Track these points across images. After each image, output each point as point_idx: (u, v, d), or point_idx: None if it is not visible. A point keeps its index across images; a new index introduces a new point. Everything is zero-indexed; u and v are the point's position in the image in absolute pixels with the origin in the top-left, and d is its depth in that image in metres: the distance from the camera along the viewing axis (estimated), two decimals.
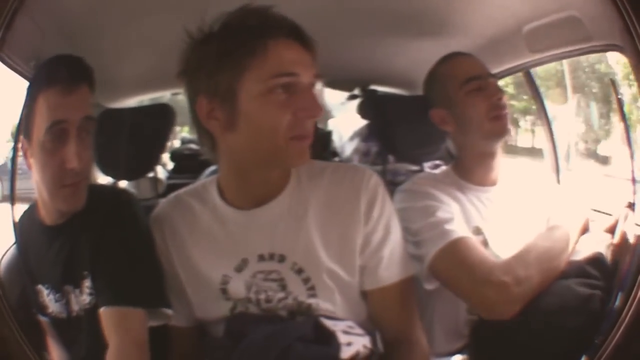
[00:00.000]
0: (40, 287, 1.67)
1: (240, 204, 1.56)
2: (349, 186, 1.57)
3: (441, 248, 1.68)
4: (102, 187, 1.91)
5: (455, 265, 1.67)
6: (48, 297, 1.66)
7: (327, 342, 1.37)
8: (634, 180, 1.81)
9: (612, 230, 1.75)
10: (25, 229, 1.74)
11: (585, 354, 1.43)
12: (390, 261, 1.56)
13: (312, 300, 1.52)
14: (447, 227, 1.71)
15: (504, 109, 1.86)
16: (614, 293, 1.52)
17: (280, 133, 1.38)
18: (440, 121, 1.97)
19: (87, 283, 1.60)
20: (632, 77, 1.69)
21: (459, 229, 1.72)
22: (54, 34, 1.98)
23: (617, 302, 1.44)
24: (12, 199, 1.88)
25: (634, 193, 1.77)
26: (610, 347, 1.32)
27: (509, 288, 1.56)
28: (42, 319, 1.71)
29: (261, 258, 1.53)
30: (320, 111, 1.41)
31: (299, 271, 1.52)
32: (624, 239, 1.68)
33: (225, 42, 1.40)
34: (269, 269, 1.53)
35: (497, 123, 1.85)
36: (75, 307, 1.64)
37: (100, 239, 1.57)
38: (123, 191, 1.73)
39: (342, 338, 1.38)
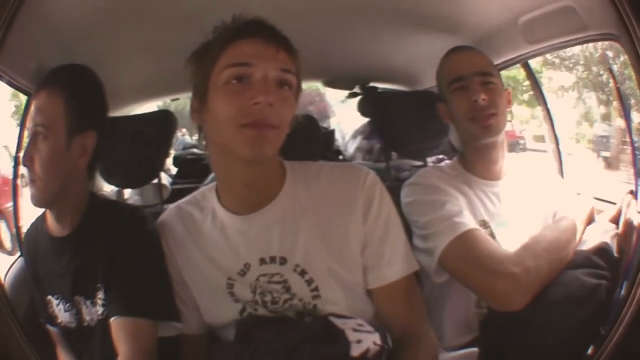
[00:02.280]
0: (49, 297, 1.71)
1: (237, 209, 1.58)
2: (346, 186, 1.58)
3: (451, 241, 1.68)
4: (116, 203, 1.94)
5: (466, 257, 1.67)
6: (57, 308, 1.71)
7: (337, 341, 1.37)
8: (635, 166, 1.81)
9: (616, 220, 1.76)
10: (32, 240, 1.79)
11: (592, 344, 1.43)
12: (393, 258, 1.56)
13: (317, 301, 1.53)
14: (457, 219, 1.72)
15: (483, 110, 1.85)
16: (619, 283, 1.54)
17: (230, 120, 1.41)
18: (442, 114, 2.00)
19: (100, 295, 1.64)
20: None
21: (468, 221, 1.73)
22: (50, 46, 1.99)
23: (622, 292, 1.46)
24: (15, 211, 1.89)
25: (636, 180, 1.76)
26: (612, 344, 1.34)
27: (519, 279, 1.56)
28: (52, 329, 1.74)
29: (262, 261, 1.55)
30: (265, 97, 1.39)
31: (302, 273, 1.53)
32: (628, 227, 1.68)
33: (201, 47, 1.51)
34: (271, 272, 1.54)
35: (474, 125, 1.86)
36: (87, 317, 1.68)
37: (115, 253, 1.62)
38: (137, 208, 1.74)
39: (352, 336, 1.38)
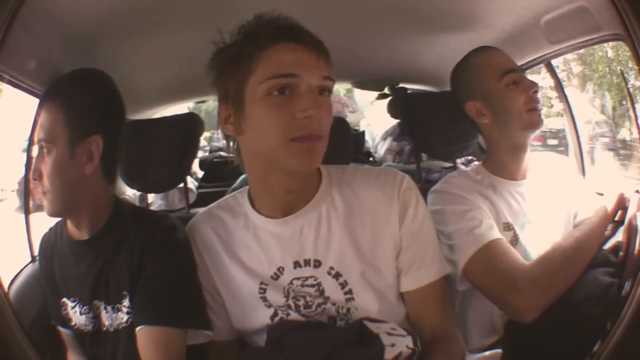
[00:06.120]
0: (64, 300, 1.74)
1: (272, 212, 1.58)
2: (382, 190, 1.58)
3: (472, 256, 1.73)
4: (143, 210, 1.94)
5: (485, 272, 1.73)
6: (72, 310, 1.73)
7: (371, 345, 1.39)
8: None
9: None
10: (50, 242, 1.82)
11: (600, 338, 1.45)
12: (426, 262, 1.58)
13: (350, 304, 1.54)
14: (477, 232, 1.76)
15: (538, 102, 1.88)
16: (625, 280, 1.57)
17: (277, 135, 1.38)
18: (476, 113, 1.98)
19: (125, 303, 1.65)
20: None
21: (487, 231, 1.76)
22: (65, 49, 1.99)
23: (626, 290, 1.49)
24: (26, 211, 1.91)
25: None
26: (613, 342, 1.35)
27: (530, 297, 1.62)
28: (64, 331, 1.78)
29: (297, 265, 1.55)
30: (316, 110, 1.37)
31: (336, 276, 1.54)
32: (632, 223, 1.71)
33: (231, 50, 1.46)
34: (305, 275, 1.55)
35: (534, 115, 1.87)
36: (106, 322, 1.69)
37: (143, 262, 1.62)
38: (166, 216, 1.75)
39: (386, 339, 1.39)
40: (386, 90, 4.06)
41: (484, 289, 1.75)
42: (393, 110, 3.23)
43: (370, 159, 4.06)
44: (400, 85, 3.95)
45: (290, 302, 1.55)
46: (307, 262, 1.54)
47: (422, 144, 2.89)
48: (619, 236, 1.72)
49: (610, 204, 1.81)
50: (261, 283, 1.56)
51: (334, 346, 1.38)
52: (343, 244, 1.54)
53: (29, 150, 1.66)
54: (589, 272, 1.64)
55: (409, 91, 3.95)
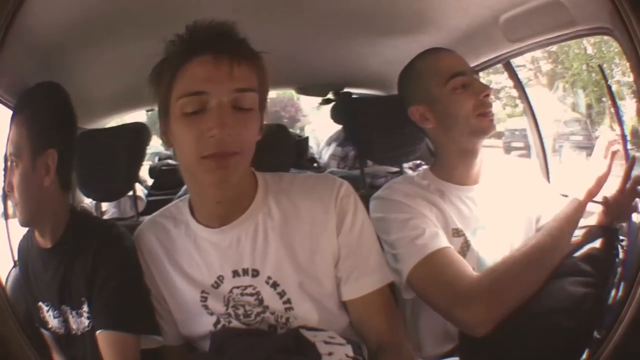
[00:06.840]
0: (40, 303, 1.79)
1: (210, 222, 1.58)
2: (319, 198, 1.57)
3: (414, 266, 1.66)
4: (94, 219, 2.01)
5: (428, 284, 1.66)
6: (47, 313, 1.77)
7: (308, 353, 1.38)
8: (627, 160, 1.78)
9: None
10: (24, 248, 1.87)
11: (588, 349, 1.42)
12: (367, 270, 1.57)
13: (289, 314, 1.54)
14: (419, 242, 1.68)
15: (490, 106, 1.82)
16: (612, 285, 1.52)
17: (190, 152, 1.40)
18: (420, 118, 1.90)
19: (85, 308, 1.69)
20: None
21: (430, 241, 1.69)
22: (31, 62, 2.00)
23: (619, 295, 1.45)
24: (5, 217, 1.92)
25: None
26: (611, 345, 1.31)
27: (478, 311, 1.54)
28: (45, 332, 1.82)
29: (235, 274, 1.55)
30: (220, 129, 1.35)
31: (274, 285, 1.54)
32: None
33: (160, 65, 1.46)
34: (244, 284, 1.55)
35: (483, 120, 1.80)
36: (74, 326, 1.73)
37: (95, 269, 1.65)
38: (114, 225, 1.78)
39: (323, 348, 1.38)
40: (330, 96, 4.01)
41: (429, 301, 1.68)
42: (335, 116, 3.23)
43: (315, 164, 4.05)
44: (345, 90, 3.91)
45: (230, 310, 1.55)
46: (245, 272, 1.54)
47: (365, 150, 2.82)
48: (595, 243, 1.64)
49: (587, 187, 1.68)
50: (202, 291, 1.57)
51: (271, 353, 1.38)
52: (280, 253, 1.54)
53: (5, 161, 1.69)
54: (556, 282, 1.55)
55: (354, 96, 3.90)
